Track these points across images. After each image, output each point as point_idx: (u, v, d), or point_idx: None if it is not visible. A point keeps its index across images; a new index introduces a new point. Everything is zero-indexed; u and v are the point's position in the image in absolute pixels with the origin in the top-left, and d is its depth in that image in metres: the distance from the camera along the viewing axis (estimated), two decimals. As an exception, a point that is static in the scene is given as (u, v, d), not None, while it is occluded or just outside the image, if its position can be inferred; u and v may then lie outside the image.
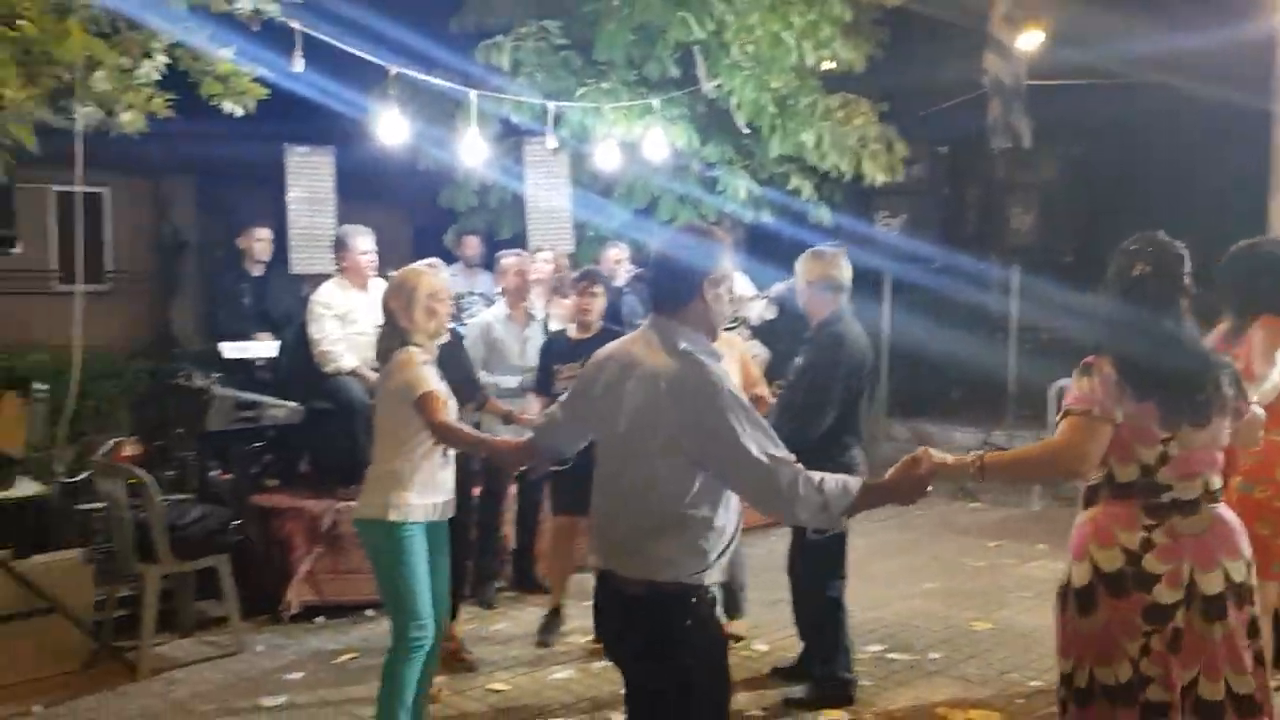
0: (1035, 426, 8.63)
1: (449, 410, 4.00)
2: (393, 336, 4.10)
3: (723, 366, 2.86)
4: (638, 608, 2.81)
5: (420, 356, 4.04)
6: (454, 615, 4.96)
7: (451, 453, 4.13)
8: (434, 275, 4.24)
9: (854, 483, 2.78)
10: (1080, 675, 2.98)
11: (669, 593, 2.77)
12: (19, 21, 4.24)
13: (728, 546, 2.85)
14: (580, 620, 5.46)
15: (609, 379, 2.92)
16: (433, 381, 3.98)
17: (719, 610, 2.88)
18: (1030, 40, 9.90)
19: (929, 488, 2.93)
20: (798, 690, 4.80)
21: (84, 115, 4.65)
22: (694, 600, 2.77)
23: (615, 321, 6.24)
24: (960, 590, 6.45)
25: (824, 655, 4.79)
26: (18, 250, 5.27)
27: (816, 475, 2.74)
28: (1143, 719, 2.89)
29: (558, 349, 5.66)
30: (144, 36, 4.87)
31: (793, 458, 2.76)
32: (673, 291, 2.90)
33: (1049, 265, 8.98)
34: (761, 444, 2.71)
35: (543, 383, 5.69)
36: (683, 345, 2.81)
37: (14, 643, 4.95)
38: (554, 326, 6.58)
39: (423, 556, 4.01)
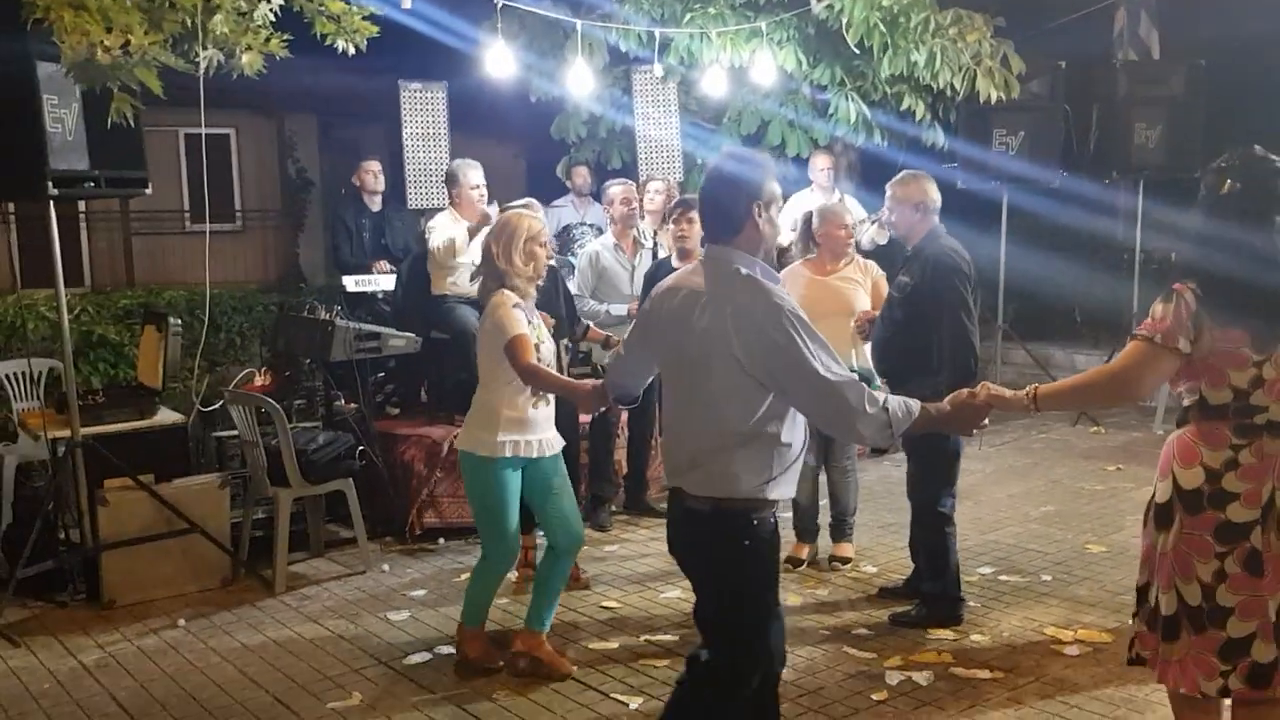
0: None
1: (541, 353, 4.13)
2: (491, 278, 4.22)
3: (782, 288, 2.90)
4: (701, 523, 2.91)
5: (511, 299, 4.16)
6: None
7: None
8: (533, 218, 4.32)
9: (915, 404, 2.88)
10: (1149, 593, 2.96)
11: (732, 510, 2.86)
12: (141, -31, 4.40)
13: (793, 462, 2.92)
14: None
15: (673, 309, 2.98)
16: (521, 325, 4.10)
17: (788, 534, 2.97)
18: (1159, -55, 9.43)
19: (985, 420, 3.08)
20: (906, 609, 4.84)
21: (205, 58, 4.80)
22: (755, 522, 2.86)
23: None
24: (1076, 513, 6.37)
25: (933, 573, 4.82)
26: (149, 192, 5.51)
27: (880, 395, 2.82)
28: (1223, 655, 2.83)
29: (660, 277, 5.70)
30: (258, -21, 5.00)
31: (855, 377, 2.83)
32: (724, 219, 2.96)
33: (1175, 184, 8.58)
34: (826, 363, 2.78)
35: None
36: (743, 271, 2.87)
37: (159, 561, 5.28)
38: (663, 255, 6.64)
39: (510, 490, 4.19)
